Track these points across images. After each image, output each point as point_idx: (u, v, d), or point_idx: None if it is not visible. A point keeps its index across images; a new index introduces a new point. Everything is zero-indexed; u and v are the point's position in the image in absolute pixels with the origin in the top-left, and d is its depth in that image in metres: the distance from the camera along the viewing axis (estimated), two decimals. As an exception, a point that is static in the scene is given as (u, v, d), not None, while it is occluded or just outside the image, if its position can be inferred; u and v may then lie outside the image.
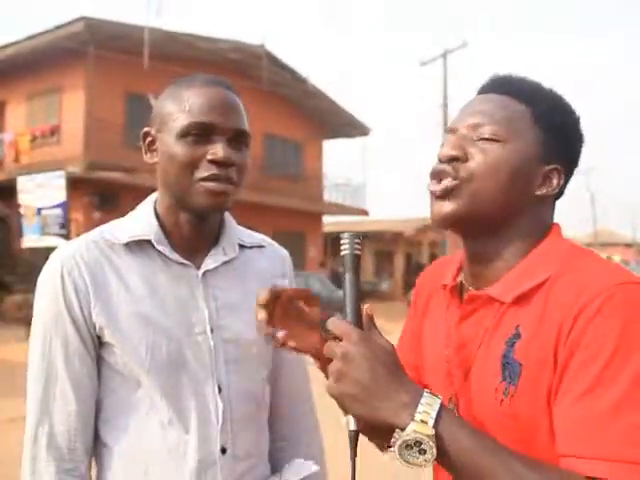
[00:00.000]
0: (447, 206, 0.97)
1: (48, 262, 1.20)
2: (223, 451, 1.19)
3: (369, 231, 26.27)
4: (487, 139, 0.96)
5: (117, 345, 1.16)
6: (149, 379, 1.16)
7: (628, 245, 70.29)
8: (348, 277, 0.90)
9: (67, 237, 10.52)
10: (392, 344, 0.88)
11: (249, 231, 1.39)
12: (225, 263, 1.26)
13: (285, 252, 1.44)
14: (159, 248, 1.20)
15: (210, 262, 1.24)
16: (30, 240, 11.40)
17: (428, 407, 0.80)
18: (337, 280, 21.21)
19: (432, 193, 0.99)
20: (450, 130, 1.01)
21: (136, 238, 1.20)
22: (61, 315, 1.16)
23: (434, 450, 0.77)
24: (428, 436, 0.77)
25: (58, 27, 15.23)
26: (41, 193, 11.30)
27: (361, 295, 0.90)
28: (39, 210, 11.30)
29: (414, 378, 1.09)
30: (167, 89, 1.23)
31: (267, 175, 20.44)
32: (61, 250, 1.20)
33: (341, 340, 0.84)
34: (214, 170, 1.14)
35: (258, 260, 1.34)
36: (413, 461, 0.79)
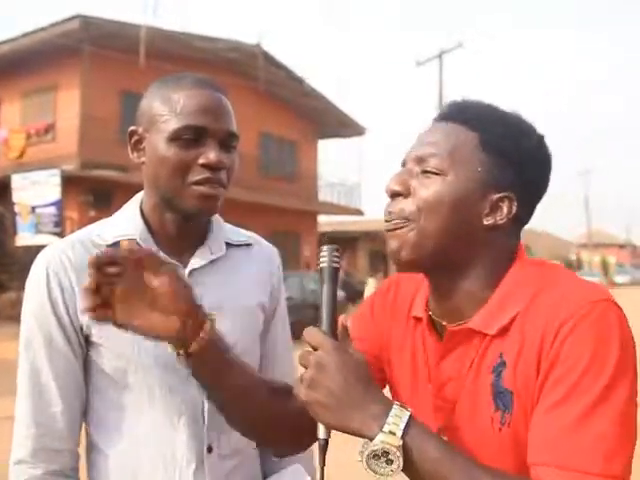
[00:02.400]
0: (402, 256, 0.96)
1: (35, 262, 1.19)
2: (209, 450, 1.20)
3: (363, 231, 26.29)
4: (429, 172, 0.95)
5: (104, 345, 1.16)
6: (136, 379, 1.16)
7: (622, 246, 70.54)
8: (326, 288, 0.93)
9: (61, 235, 10.50)
10: (363, 355, 0.90)
11: (236, 229, 1.38)
12: (212, 262, 1.26)
13: (273, 249, 1.44)
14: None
15: (196, 261, 1.23)
16: (24, 238, 11.39)
17: (397, 419, 0.81)
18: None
19: (388, 247, 0.99)
20: (402, 162, 1.01)
21: (121, 238, 1.19)
22: (46, 315, 1.16)
23: (401, 460, 0.79)
24: (395, 447, 0.79)
25: (53, 25, 15.20)
26: (36, 191, 11.29)
27: (337, 306, 0.93)
28: (33, 208, 11.29)
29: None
30: (153, 87, 1.21)
31: (262, 174, 20.45)
32: (47, 250, 1.20)
33: (316, 350, 0.87)
34: (206, 174, 1.14)
35: (245, 258, 1.34)
36: (380, 471, 0.81)
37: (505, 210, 0.95)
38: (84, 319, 1.16)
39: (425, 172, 0.95)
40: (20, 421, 1.17)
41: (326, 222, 26.77)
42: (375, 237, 25.82)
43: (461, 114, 0.98)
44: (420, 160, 0.97)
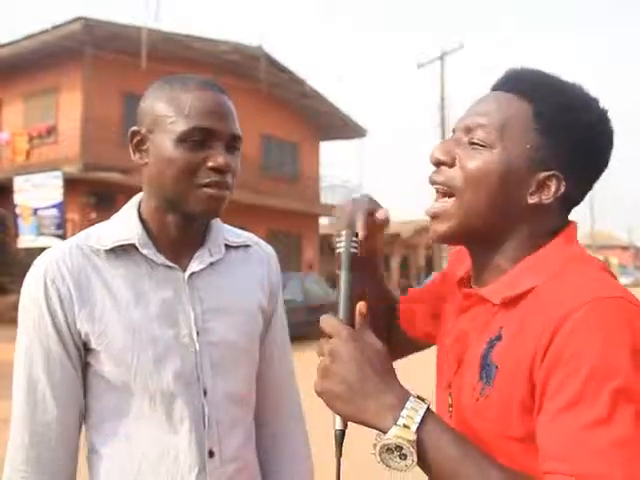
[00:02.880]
0: (439, 227, 0.96)
1: (31, 269, 1.18)
2: (211, 455, 1.19)
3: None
4: (476, 144, 0.92)
5: (103, 351, 1.15)
6: (136, 384, 1.15)
7: (624, 248, 70.44)
8: (343, 275, 0.89)
9: (63, 237, 10.52)
10: (382, 344, 0.86)
11: (235, 230, 1.38)
12: (211, 264, 1.25)
13: (271, 250, 1.43)
14: (144, 252, 1.19)
15: (196, 264, 1.23)
16: (26, 240, 11.40)
17: (413, 412, 0.78)
18: (333, 281, 21.23)
19: (427, 212, 0.99)
20: (453, 130, 0.99)
21: (120, 243, 1.18)
22: (44, 322, 1.15)
23: (415, 456, 0.77)
24: (409, 441, 0.76)
25: (55, 27, 15.22)
26: (38, 193, 11.31)
27: (356, 293, 0.89)
28: (35, 210, 11.31)
29: (426, 322, 1.17)
30: (155, 88, 1.20)
31: (264, 176, 20.45)
32: (44, 256, 1.19)
33: (331, 338, 0.84)
34: (214, 177, 1.14)
35: (244, 260, 1.33)
36: (394, 465, 0.78)
37: (553, 189, 0.91)
38: (83, 326, 1.15)
39: (472, 143, 0.93)
40: (15, 430, 1.16)
41: (327, 224, 26.75)
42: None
43: (517, 83, 0.94)
44: (468, 130, 0.94)
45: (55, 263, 1.16)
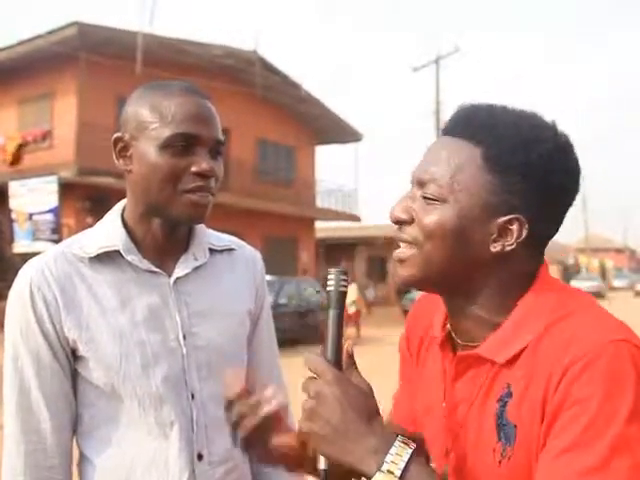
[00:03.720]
0: (402, 271, 0.94)
1: (17, 277, 1.18)
2: (200, 457, 1.20)
3: (361, 237, 26.28)
4: (429, 199, 0.89)
5: (91, 358, 1.16)
6: (124, 390, 1.16)
7: (619, 250, 70.63)
8: (332, 313, 0.89)
9: (59, 242, 10.45)
10: (369, 386, 0.86)
11: (218, 234, 1.38)
12: (196, 269, 1.26)
13: (256, 252, 1.44)
14: (128, 258, 1.19)
15: (181, 269, 1.23)
16: (21, 245, 11.37)
17: (397, 457, 0.78)
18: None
19: (394, 256, 0.97)
20: (410, 182, 0.96)
21: (104, 250, 1.19)
22: (32, 331, 1.15)
23: None
24: None
25: (50, 32, 15.21)
26: (33, 198, 11.27)
27: (343, 332, 0.90)
28: (31, 215, 11.27)
29: (413, 431, 1.06)
30: (138, 94, 1.21)
31: (260, 180, 20.46)
32: (30, 265, 1.19)
33: (317, 378, 0.84)
34: (198, 182, 1.15)
35: (229, 263, 1.34)
36: None
37: (515, 234, 0.87)
38: (70, 333, 1.15)
39: (426, 198, 0.90)
40: (10, 438, 1.16)
41: (323, 228, 26.77)
42: (372, 243, 25.83)
43: (465, 127, 0.90)
44: (421, 184, 0.92)
45: (40, 271, 1.16)
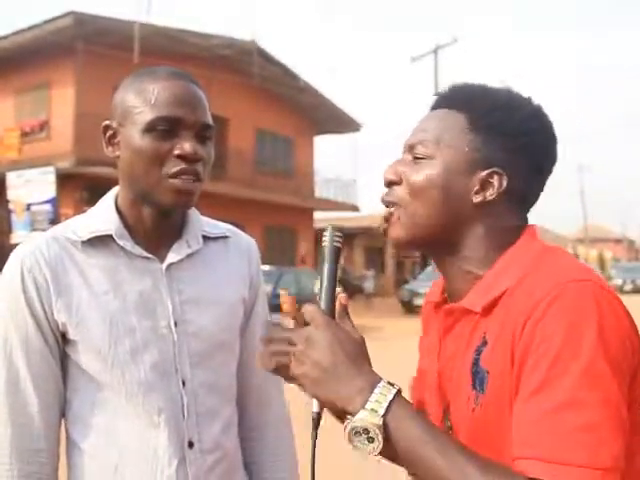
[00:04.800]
0: (391, 232, 1.00)
1: (9, 260, 1.18)
2: (190, 445, 1.19)
3: (360, 227, 26.27)
4: (418, 158, 0.97)
5: (80, 342, 1.15)
6: (112, 376, 1.15)
7: (618, 241, 70.72)
8: (327, 267, 0.94)
9: (57, 233, 10.45)
10: (361, 335, 0.91)
11: (213, 221, 1.38)
12: (189, 256, 1.25)
13: (251, 241, 1.43)
14: (120, 243, 1.19)
15: (174, 255, 1.23)
16: (19, 236, 11.33)
17: (381, 396, 0.81)
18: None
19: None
20: (402, 151, 1.03)
21: (97, 234, 1.18)
22: (22, 314, 1.14)
23: (381, 439, 0.79)
24: (375, 425, 0.79)
25: (47, 22, 15.15)
26: (30, 189, 11.24)
27: (337, 285, 0.94)
28: (28, 206, 11.25)
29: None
30: (126, 81, 1.21)
31: (258, 171, 20.43)
32: (21, 248, 1.19)
33: (308, 325, 0.88)
34: (182, 165, 1.14)
35: (223, 251, 1.33)
36: (362, 448, 0.80)
37: (496, 185, 0.94)
38: (60, 316, 1.15)
39: (415, 158, 0.98)
40: None
41: (322, 218, 26.77)
42: (371, 233, 25.83)
43: (451, 98, 1.00)
44: (411, 148, 0.99)
45: (32, 254, 1.16)
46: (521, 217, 0.99)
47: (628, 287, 32.33)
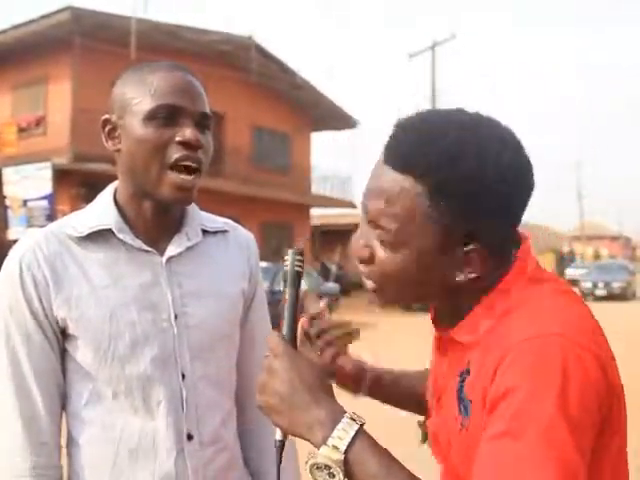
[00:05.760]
0: (380, 301, 0.98)
1: (8, 257, 1.18)
2: (189, 438, 1.20)
3: (356, 223, 26.23)
4: (385, 243, 0.89)
5: (80, 337, 1.16)
6: (112, 369, 1.16)
7: (614, 238, 70.83)
8: (288, 292, 0.95)
9: (53, 229, 10.42)
10: (320, 364, 0.94)
11: (212, 216, 1.38)
12: (189, 249, 1.26)
13: (250, 235, 1.43)
14: (120, 236, 1.19)
15: (173, 248, 1.23)
16: (16, 232, 11.31)
17: (343, 432, 0.81)
18: (326, 273, 21.23)
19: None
20: (361, 204, 0.95)
21: (96, 228, 1.19)
22: (21, 310, 1.15)
23: (341, 475, 0.79)
24: (336, 462, 0.79)
25: (44, 17, 15.09)
26: (27, 184, 11.21)
27: (297, 310, 0.95)
28: (25, 202, 11.22)
29: None
30: (124, 75, 1.22)
31: (255, 167, 20.40)
32: (20, 244, 1.19)
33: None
34: (184, 151, 1.14)
35: (222, 245, 1.34)
36: None
37: (477, 263, 0.87)
38: (60, 312, 1.15)
39: (382, 241, 0.90)
40: (4, 418, 1.16)
41: (319, 215, 26.76)
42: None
43: (405, 160, 0.86)
44: (374, 225, 0.90)
45: (31, 250, 1.16)
46: (507, 250, 0.93)
47: (600, 292, 23.47)
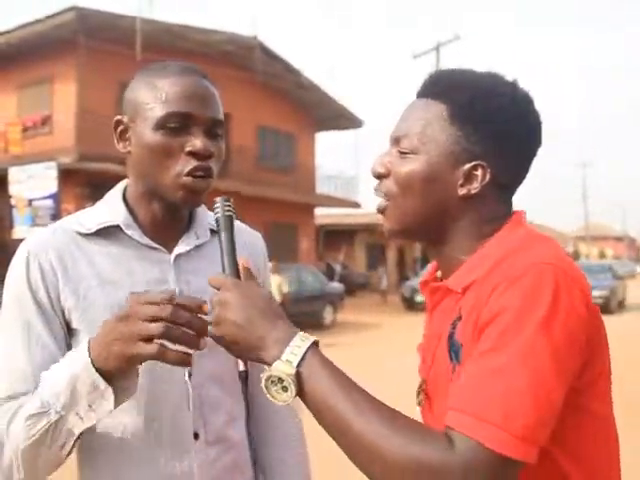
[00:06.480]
0: (385, 223, 1.05)
1: (18, 250, 1.18)
2: (196, 437, 1.20)
3: (361, 223, 26.23)
4: (403, 153, 1.00)
5: (84, 332, 1.13)
6: None
7: (618, 238, 70.62)
8: (224, 236, 1.01)
9: (58, 228, 10.44)
10: (270, 292, 0.96)
11: None
12: (197, 248, 1.26)
13: (258, 235, 1.43)
14: (128, 233, 1.19)
15: (182, 246, 1.23)
16: (21, 231, 11.34)
17: (296, 348, 0.85)
18: (330, 273, 21.21)
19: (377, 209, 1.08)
20: (389, 142, 1.06)
21: (104, 225, 1.19)
22: (25, 298, 1.13)
23: (294, 388, 0.83)
24: (289, 375, 0.83)
25: (49, 17, 15.11)
26: (32, 184, 11.24)
27: (235, 249, 1.01)
28: (30, 201, 11.25)
29: None
30: (138, 76, 1.20)
31: (260, 167, 20.41)
32: (29, 238, 1.19)
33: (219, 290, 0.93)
34: (193, 162, 1.13)
35: None
36: (277, 397, 0.85)
37: (479, 178, 0.97)
38: (66, 302, 1.14)
39: (401, 152, 1.01)
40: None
41: (324, 215, 26.75)
42: (373, 230, 25.81)
43: (432, 88, 1.02)
44: (396, 141, 1.02)
45: (39, 242, 1.17)
46: (507, 203, 1.02)
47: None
